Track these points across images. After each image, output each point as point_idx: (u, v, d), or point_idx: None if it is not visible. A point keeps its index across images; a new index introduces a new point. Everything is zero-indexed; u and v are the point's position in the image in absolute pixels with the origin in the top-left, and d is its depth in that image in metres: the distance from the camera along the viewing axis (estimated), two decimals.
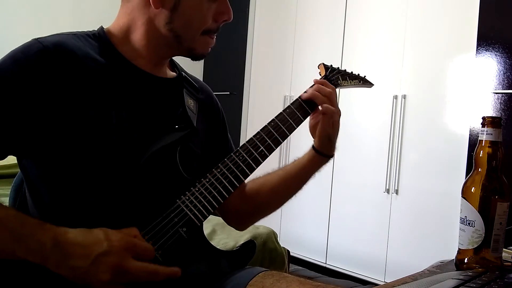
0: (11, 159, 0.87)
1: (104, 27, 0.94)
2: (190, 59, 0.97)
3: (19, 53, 0.81)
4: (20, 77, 0.79)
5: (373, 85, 1.14)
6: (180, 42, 0.90)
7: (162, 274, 0.77)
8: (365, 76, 1.14)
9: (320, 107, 0.97)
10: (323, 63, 1.09)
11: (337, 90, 1.08)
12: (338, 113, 1.00)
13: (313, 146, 1.03)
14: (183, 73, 1.02)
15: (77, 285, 0.75)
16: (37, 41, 0.82)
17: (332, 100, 0.98)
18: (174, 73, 1.00)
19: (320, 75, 1.07)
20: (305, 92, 0.99)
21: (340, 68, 1.09)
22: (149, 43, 0.90)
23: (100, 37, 0.91)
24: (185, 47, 0.92)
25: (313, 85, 1.00)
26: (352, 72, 1.11)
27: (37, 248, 0.73)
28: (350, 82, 1.10)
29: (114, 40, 0.91)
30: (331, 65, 1.09)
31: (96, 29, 0.93)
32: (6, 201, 1.04)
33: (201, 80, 1.12)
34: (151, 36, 0.90)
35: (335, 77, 1.06)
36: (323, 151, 1.02)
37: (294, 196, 1.10)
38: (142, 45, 0.91)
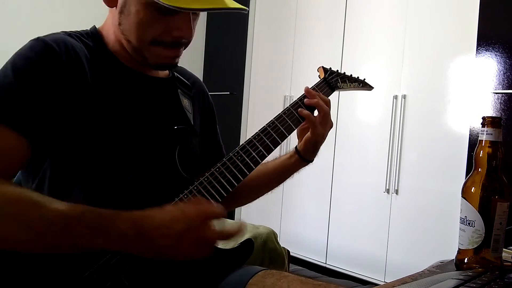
0: None
1: (97, 26, 0.94)
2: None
3: (27, 51, 0.80)
4: (37, 73, 0.78)
5: (372, 88, 1.15)
6: (133, 48, 0.88)
7: (232, 233, 0.79)
8: (364, 79, 1.14)
9: (318, 116, 0.99)
10: (322, 66, 1.09)
11: (336, 92, 1.08)
12: (331, 126, 1.01)
13: (296, 149, 1.05)
14: (175, 73, 1.02)
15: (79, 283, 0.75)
16: (39, 40, 0.82)
17: (329, 112, 1.01)
18: (168, 73, 1.00)
19: (319, 78, 1.08)
20: (306, 98, 1.00)
21: (339, 71, 1.09)
22: (120, 43, 0.90)
23: (93, 36, 0.91)
24: (139, 54, 0.88)
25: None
26: (351, 75, 1.12)
27: (120, 238, 0.73)
28: (350, 85, 1.10)
29: (106, 40, 0.91)
30: (330, 68, 1.09)
31: (88, 29, 0.93)
32: None
33: (199, 78, 1.13)
34: (117, 36, 0.90)
35: (334, 79, 1.07)
36: (305, 156, 1.04)
37: (270, 192, 1.13)
38: (120, 46, 0.90)
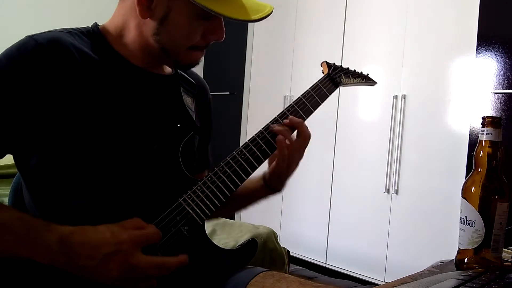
0: (11, 159, 0.87)
1: (99, 24, 0.93)
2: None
3: (14, 51, 0.80)
4: (17, 75, 0.78)
5: (376, 83, 1.14)
6: (166, 54, 0.89)
7: (170, 265, 0.77)
8: (368, 74, 1.14)
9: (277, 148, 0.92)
10: (326, 61, 1.08)
11: (339, 88, 1.08)
12: (292, 158, 0.94)
13: (264, 175, 1.00)
14: (179, 70, 1.01)
15: (82, 282, 0.75)
16: (31, 38, 0.81)
17: (293, 144, 0.93)
18: (171, 70, 1.00)
19: (323, 73, 1.07)
20: (275, 125, 0.93)
21: (343, 66, 1.09)
22: (141, 47, 0.90)
23: (94, 34, 0.90)
24: (170, 58, 0.91)
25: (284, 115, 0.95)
26: (355, 70, 1.11)
27: (44, 251, 0.73)
28: (353, 80, 1.09)
29: (109, 38, 0.91)
30: (334, 63, 1.08)
31: (89, 26, 0.93)
32: (6, 201, 1.04)
33: (205, 82, 1.12)
34: (141, 41, 0.89)
35: (338, 75, 1.06)
36: (271, 184, 0.99)
37: (236, 212, 1.09)
38: (134, 47, 0.90)
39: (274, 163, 0.96)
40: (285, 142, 0.92)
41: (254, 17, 0.86)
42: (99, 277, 0.74)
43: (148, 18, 0.86)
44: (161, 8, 0.84)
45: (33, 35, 0.82)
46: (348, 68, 1.10)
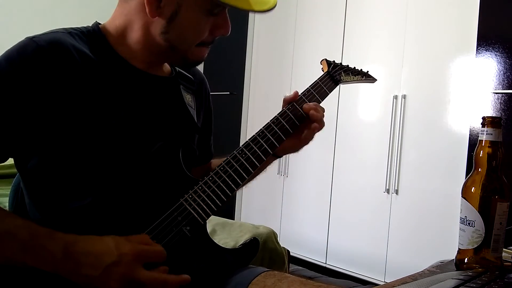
0: (12, 159, 0.87)
1: (100, 23, 0.93)
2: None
3: (14, 53, 0.79)
4: (17, 78, 0.78)
5: (375, 80, 1.15)
6: (174, 52, 0.89)
7: (172, 283, 0.77)
8: (368, 71, 1.14)
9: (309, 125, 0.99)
10: (326, 59, 1.08)
11: (339, 87, 1.08)
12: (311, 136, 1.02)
13: None
14: (177, 69, 1.01)
15: None
16: (31, 40, 0.80)
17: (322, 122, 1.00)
18: (170, 70, 1.00)
19: (323, 71, 1.07)
20: (305, 104, 1.00)
21: (342, 64, 1.09)
22: (145, 47, 0.90)
23: (95, 34, 0.90)
24: (178, 56, 0.91)
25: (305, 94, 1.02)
26: (354, 67, 1.11)
27: (48, 259, 0.73)
28: (353, 78, 1.10)
29: (110, 39, 0.90)
30: (334, 61, 1.09)
31: (90, 25, 0.92)
32: (6, 201, 1.04)
33: (203, 75, 1.12)
34: (147, 41, 0.89)
35: (337, 72, 1.07)
36: (279, 153, 1.04)
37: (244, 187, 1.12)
38: (137, 48, 0.90)
39: (290, 139, 0.98)
40: (316, 114, 0.98)
41: (265, 7, 0.89)
42: (100, 287, 0.74)
43: (157, 17, 0.86)
44: (170, 6, 0.84)
45: (33, 37, 0.81)
46: (348, 65, 1.10)
